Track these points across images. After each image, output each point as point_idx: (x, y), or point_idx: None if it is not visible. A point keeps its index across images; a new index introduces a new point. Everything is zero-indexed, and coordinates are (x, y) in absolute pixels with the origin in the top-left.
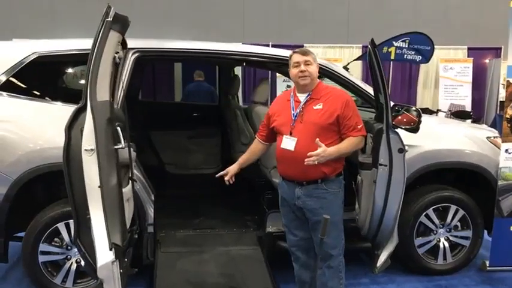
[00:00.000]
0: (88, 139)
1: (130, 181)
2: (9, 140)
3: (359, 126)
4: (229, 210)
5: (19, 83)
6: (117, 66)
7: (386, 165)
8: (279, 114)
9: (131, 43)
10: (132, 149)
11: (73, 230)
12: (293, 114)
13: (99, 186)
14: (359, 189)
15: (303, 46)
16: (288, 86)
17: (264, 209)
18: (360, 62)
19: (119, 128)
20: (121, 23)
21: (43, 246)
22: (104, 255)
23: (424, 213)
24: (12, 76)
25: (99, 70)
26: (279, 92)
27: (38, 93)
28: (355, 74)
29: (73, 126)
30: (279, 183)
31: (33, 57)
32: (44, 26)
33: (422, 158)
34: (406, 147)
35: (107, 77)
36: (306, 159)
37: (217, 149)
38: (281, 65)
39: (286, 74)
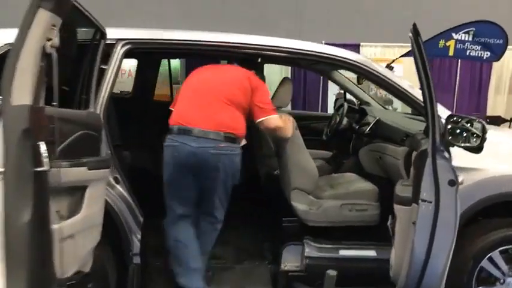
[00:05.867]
0: None
1: (80, 211)
2: None
3: None
4: (241, 236)
5: None
6: (49, 58)
7: (431, 202)
8: None
9: (120, 33)
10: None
11: None
12: None
13: None
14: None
15: (359, 45)
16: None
17: (279, 241)
18: None
19: (42, 143)
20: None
21: None
22: None
23: (488, 256)
24: None
25: (18, 63)
26: (330, 101)
27: None
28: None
29: None
30: None
31: None
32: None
33: (485, 186)
34: (461, 176)
35: (29, 72)
36: None
37: None
38: (313, 62)
39: (320, 71)
